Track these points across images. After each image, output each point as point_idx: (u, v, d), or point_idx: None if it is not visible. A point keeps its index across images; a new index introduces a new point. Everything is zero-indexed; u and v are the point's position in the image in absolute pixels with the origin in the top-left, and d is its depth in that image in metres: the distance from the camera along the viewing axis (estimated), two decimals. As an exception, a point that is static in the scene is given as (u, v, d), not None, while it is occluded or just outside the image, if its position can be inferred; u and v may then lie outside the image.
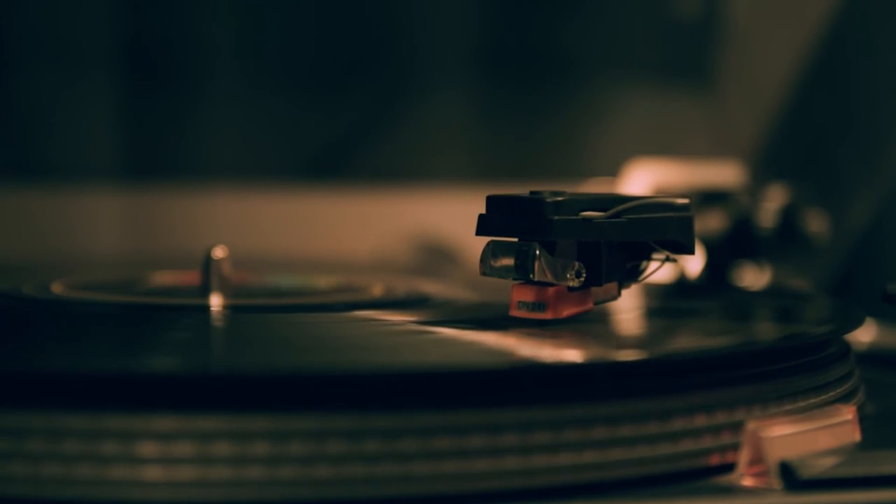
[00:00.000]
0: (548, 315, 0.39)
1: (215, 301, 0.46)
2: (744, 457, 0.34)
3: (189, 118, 0.77)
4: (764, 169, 0.70)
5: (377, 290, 0.50)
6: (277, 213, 0.78)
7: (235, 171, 0.78)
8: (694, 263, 0.59)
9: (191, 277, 0.50)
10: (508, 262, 0.38)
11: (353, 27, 0.79)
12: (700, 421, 0.34)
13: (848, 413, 0.36)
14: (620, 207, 0.39)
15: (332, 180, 0.79)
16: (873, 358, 0.51)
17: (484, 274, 0.39)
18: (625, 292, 0.41)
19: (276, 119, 0.79)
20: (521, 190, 0.40)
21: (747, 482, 0.33)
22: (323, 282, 0.54)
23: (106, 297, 0.48)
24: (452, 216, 0.73)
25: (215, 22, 0.78)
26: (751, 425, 0.34)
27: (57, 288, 0.49)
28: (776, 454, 0.33)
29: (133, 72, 0.76)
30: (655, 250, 0.41)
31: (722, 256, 0.60)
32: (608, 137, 0.81)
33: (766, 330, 0.45)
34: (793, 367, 0.37)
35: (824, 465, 0.33)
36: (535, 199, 0.38)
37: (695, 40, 0.81)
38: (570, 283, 0.39)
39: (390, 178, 0.79)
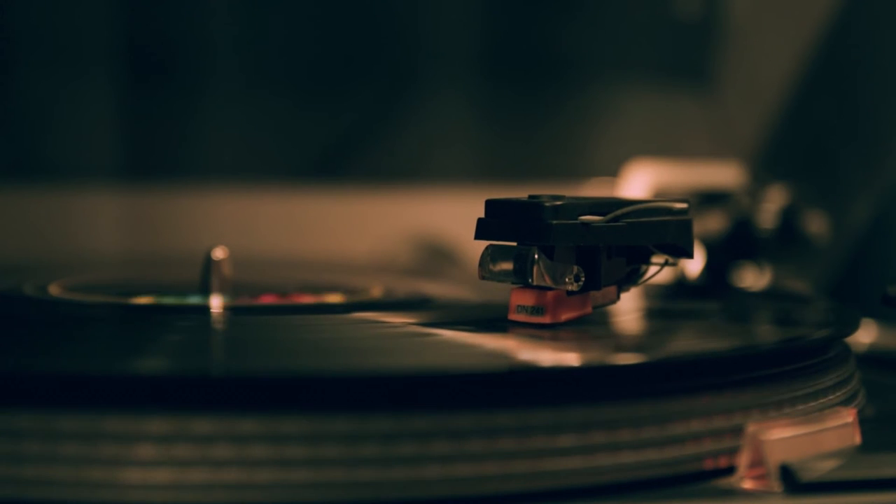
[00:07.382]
0: (546, 319, 0.39)
1: (215, 302, 0.46)
2: (744, 460, 0.34)
3: (188, 118, 0.77)
4: (764, 169, 0.70)
5: (377, 292, 0.50)
6: (277, 213, 0.77)
7: (235, 171, 0.78)
8: (694, 265, 0.59)
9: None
10: (507, 266, 0.38)
11: (354, 26, 0.79)
12: (700, 424, 0.34)
13: (848, 416, 0.36)
14: (619, 212, 0.39)
15: (332, 180, 0.79)
16: (874, 359, 0.51)
17: (483, 278, 0.39)
18: (624, 294, 0.41)
19: (276, 119, 0.79)
20: (520, 192, 0.40)
21: (747, 485, 0.33)
22: (323, 282, 0.54)
23: (106, 299, 0.48)
24: (453, 216, 0.73)
25: (215, 21, 0.78)
26: (751, 428, 0.34)
27: (56, 289, 0.49)
28: (776, 457, 0.33)
29: (133, 71, 0.76)
30: (654, 254, 0.41)
31: (722, 257, 0.60)
32: (608, 138, 0.81)
33: (766, 333, 0.45)
34: (793, 370, 0.37)
35: (825, 468, 0.33)
36: (533, 204, 0.38)
37: (695, 40, 0.81)
38: (569, 288, 0.39)
39: (390, 178, 0.79)
